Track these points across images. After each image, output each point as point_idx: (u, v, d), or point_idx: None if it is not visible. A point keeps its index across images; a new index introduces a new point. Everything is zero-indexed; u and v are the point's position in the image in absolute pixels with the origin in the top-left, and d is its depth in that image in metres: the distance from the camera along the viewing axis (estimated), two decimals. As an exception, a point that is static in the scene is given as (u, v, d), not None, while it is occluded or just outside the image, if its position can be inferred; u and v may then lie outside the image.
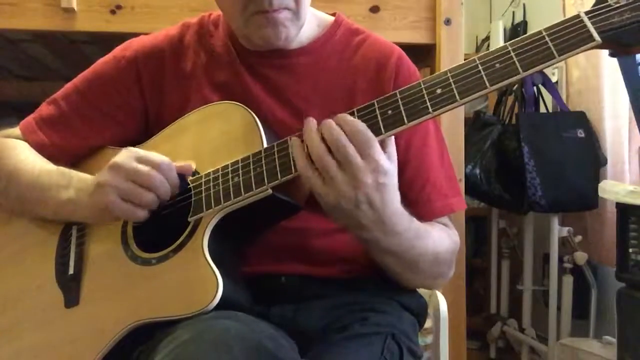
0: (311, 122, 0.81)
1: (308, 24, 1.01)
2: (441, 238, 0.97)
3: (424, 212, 0.98)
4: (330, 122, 0.80)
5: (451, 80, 0.78)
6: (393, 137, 0.82)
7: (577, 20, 0.75)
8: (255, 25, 0.93)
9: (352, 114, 0.82)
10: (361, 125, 0.78)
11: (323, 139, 0.79)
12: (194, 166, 0.92)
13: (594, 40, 0.73)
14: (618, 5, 0.73)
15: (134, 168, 0.87)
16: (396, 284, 0.98)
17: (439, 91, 0.78)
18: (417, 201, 0.99)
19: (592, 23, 0.74)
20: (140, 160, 0.88)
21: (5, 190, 1.00)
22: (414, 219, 0.89)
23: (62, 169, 0.98)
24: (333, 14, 1.07)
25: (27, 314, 0.95)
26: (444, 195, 1.01)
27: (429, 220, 0.99)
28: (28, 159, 1.00)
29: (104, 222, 0.94)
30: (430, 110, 0.78)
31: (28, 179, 0.98)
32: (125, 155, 0.88)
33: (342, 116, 0.80)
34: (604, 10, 0.74)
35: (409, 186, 0.99)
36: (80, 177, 0.95)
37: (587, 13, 0.75)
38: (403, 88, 0.81)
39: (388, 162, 0.80)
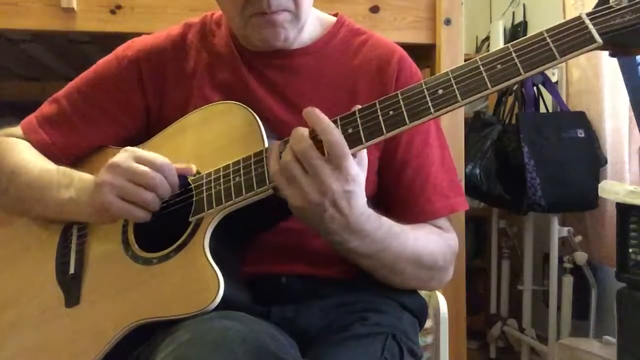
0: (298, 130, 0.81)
1: (310, 25, 1.01)
2: (428, 239, 0.96)
3: (424, 212, 0.98)
4: (299, 132, 0.80)
5: (453, 81, 0.78)
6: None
7: (579, 21, 0.75)
8: (254, 27, 0.93)
9: (353, 114, 0.82)
10: (336, 137, 0.78)
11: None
12: (194, 169, 0.92)
13: (595, 41, 0.73)
14: (619, 7, 0.73)
15: (132, 167, 0.87)
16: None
17: (440, 92, 0.78)
18: (418, 201, 0.99)
19: (594, 24, 0.74)
20: (139, 160, 0.88)
21: (6, 189, 1.00)
22: (385, 219, 0.89)
23: (63, 168, 0.98)
24: (335, 14, 1.07)
25: (27, 314, 0.95)
26: (445, 196, 1.01)
27: (430, 220, 0.99)
28: (29, 159, 1.00)
29: (104, 222, 0.94)
30: (432, 110, 0.78)
31: (29, 179, 0.98)
32: (124, 155, 0.88)
33: (319, 123, 0.80)
34: (605, 11, 0.74)
35: (409, 186, 0.99)
36: (81, 177, 0.95)
37: (588, 14, 0.75)
38: (405, 88, 0.81)
39: (357, 168, 0.80)
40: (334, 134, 0.79)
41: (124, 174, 0.87)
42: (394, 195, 0.99)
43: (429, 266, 0.96)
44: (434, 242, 0.97)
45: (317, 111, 0.81)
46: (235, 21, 0.96)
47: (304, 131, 0.80)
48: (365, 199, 0.83)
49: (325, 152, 0.78)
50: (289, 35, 0.95)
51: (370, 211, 0.85)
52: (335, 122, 0.82)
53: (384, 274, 0.94)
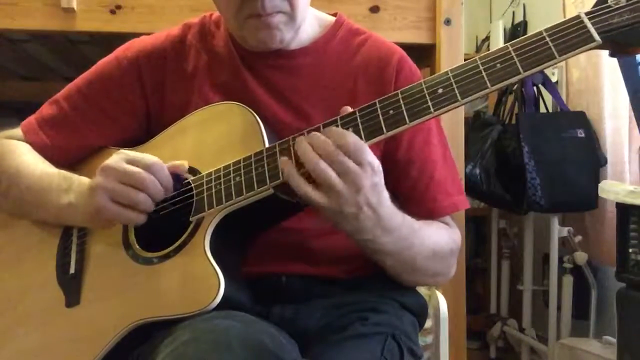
0: (303, 141, 0.81)
1: (309, 25, 1.01)
2: (439, 234, 0.97)
3: (429, 211, 0.98)
4: (320, 138, 0.80)
5: (452, 80, 0.78)
6: None
7: (578, 20, 0.75)
8: (250, 29, 0.93)
9: (353, 113, 0.82)
10: (351, 137, 0.79)
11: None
12: (186, 164, 0.92)
13: (594, 40, 0.74)
14: (618, 6, 0.74)
15: (123, 169, 0.87)
16: (397, 283, 0.98)
17: (440, 91, 0.79)
18: (423, 200, 0.99)
19: (593, 24, 0.74)
20: (130, 161, 0.88)
21: (6, 192, 1.00)
22: (406, 215, 0.90)
23: (63, 172, 0.98)
24: (334, 14, 1.07)
25: (28, 314, 0.95)
26: (448, 194, 1.01)
27: (435, 218, 1.00)
28: (29, 162, 1.00)
29: (101, 227, 0.94)
30: (432, 110, 0.78)
31: (29, 182, 0.98)
32: (116, 158, 0.88)
33: (328, 130, 0.80)
34: (604, 11, 0.74)
35: (413, 185, 0.99)
36: (80, 181, 0.95)
37: (587, 14, 0.75)
38: (404, 88, 0.81)
39: (377, 160, 0.81)
40: (347, 136, 0.79)
41: (115, 176, 0.87)
42: (398, 194, 1.00)
43: (440, 261, 0.97)
44: (444, 237, 0.98)
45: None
46: (231, 23, 0.96)
47: (317, 135, 0.80)
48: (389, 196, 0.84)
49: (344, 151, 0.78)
50: (285, 37, 0.95)
51: (393, 206, 0.86)
52: (335, 121, 0.82)
53: (402, 271, 0.94)
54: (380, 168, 0.81)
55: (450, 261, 1.00)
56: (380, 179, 0.81)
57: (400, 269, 0.94)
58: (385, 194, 0.83)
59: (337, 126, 0.81)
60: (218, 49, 1.03)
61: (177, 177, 0.90)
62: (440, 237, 0.97)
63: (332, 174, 0.78)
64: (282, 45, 0.97)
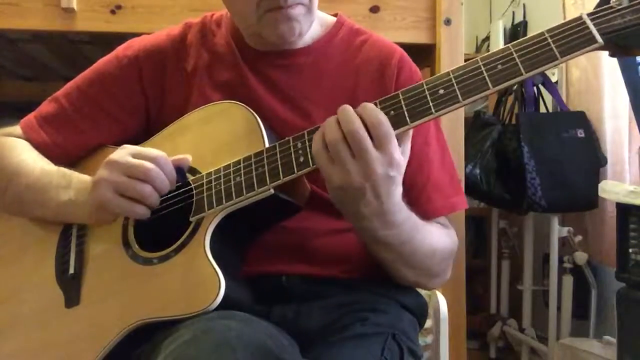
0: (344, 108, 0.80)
1: (311, 24, 1.02)
2: (439, 235, 0.97)
3: (425, 211, 0.98)
4: (348, 111, 0.79)
5: (454, 81, 0.78)
6: (411, 132, 0.83)
7: (580, 22, 0.75)
8: (270, 22, 0.93)
9: None
10: (382, 117, 0.78)
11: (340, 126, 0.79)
12: (190, 158, 0.92)
13: (596, 42, 0.74)
14: (620, 7, 0.74)
15: (129, 162, 0.87)
16: (395, 282, 0.98)
17: (441, 92, 0.79)
18: (419, 200, 0.99)
19: (595, 25, 0.74)
20: (135, 155, 0.88)
21: (5, 190, 1.00)
22: (412, 213, 0.89)
23: (62, 170, 0.98)
24: (335, 15, 1.07)
25: (27, 314, 0.95)
26: (445, 195, 1.01)
27: (430, 219, 1.00)
28: (29, 159, 1.00)
29: (103, 221, 0.94)
30: (433, 110, 0.78)
31: (28, 180, 0.98)
32: (121, 152, 0.89)
33: (364, 105, 0.80)
34: (606, 12, 0.74)
35: (410, 185, 0.99)
36: (80, 178, 0.95)
37: (589, 15, 0.75)
38: (405, 89, 0.81)
39: (401, 157, 0.80)
40: (380, 115, 0.78)
41: (120, 169, 0.87)
42: None
43: (439, 262, 0.97)
44: (443, 237, 0.98)
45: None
46: (247, 18, 0.95)
47: (354, 112, 0.79)
48: (402, 190, 0.83)
49: (372, 134, 0.78)
50: (303, 29, 0.95)
51: (402, 202, 0.85)
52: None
53: (399, 267, 0.94)
54: (402, 165, 0.80)
55: (449, 262, 1.00)
56: (397, 174, 0.80)
57: (398, 263, 0.93)
58: (398, 191, 0.82)
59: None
60: (219, 47, 1.03)
61: (180, 170, 0.90)
62: (440, 238, 0.97)
63: (343, 149, 0.78)
64: (298, 39, 0.97)
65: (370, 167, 0.77)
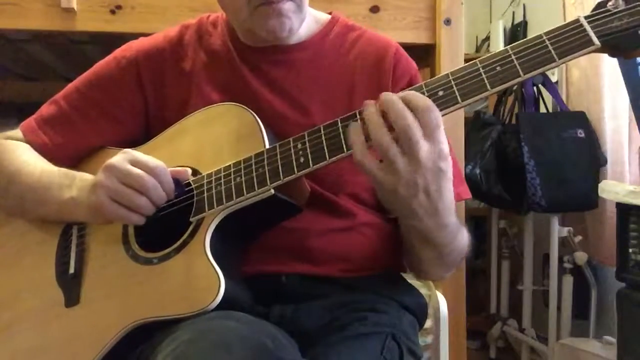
0: (371, 103, 0.77)
1: (306, 21, 1.02)
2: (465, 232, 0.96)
3: None
4: (393, 97, 0.75)
5: (453, 83, 0.78)
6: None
7: (577, 24, 0.76)
8: (260, 17, 0.93)
9: (354, 115, 0.81)
10: (430, 102, 0.75)
11: (384, 116, 0.75)
12: (190, 172, 0.92)
13: (593, 44, 0.74)
14: (617, 10, 0.74)
15: (126, 170, 0.87)
16: (396, 283, 0.98)
17: (440, 93, 0.79)
18: None
19: (592, 27, 0.75)
20: (134, 162, 0.88)
21: (6, 191, 1.01)
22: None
23: (64, 170, 0.98)
24: (329, 13, 1.09)
25: (27, 314, 0.95)
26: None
27: None
28: (29, 160, 1.01)
29: (101, 223, 0.94)
30: (433, 112, 0.78)
31: (30, 180, 0.98)
32: (120, 157, 0.89)
33: (406, 93, 0.76)
34: (603, 15, 0.75)
35: None
36: (82, 177, 0.95)
37: (586, 18, 0.76)
38: (405, 90, 0.81)
39: (447, 146, 0.77)
40: (427, 100, 0.75)
41: (118, 177, 0.87)
42: None
43: (462, 256, 0.96)
44: (466, 234, 0.97)
45: (392, 94, 0.76)
46: (239, 14, 0.95)
47: (404, 106, 0.75)
48: (453, 189, 0.80)
49: (420, 122, 0.73)
50: (294, 25, 0.95)
51: (453, 202, 0.82)
52: (335, 122, 0.82)
53: (435, 264, 0.93)
54: (450, 159, 0.76)
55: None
56: (446, 166, 0.76)
57: (434, 261, 0.92)
58: (449, 186, 0.78)
59: (338, 126, 0.81)
60: (215, 47, 1.04)
61: (178, 182, 0.90)
62: (465, 234, 0.96)
63: (393, 149, 0.74)
64: (289, 35, 0.97)
65: (419, 161, 0.74)
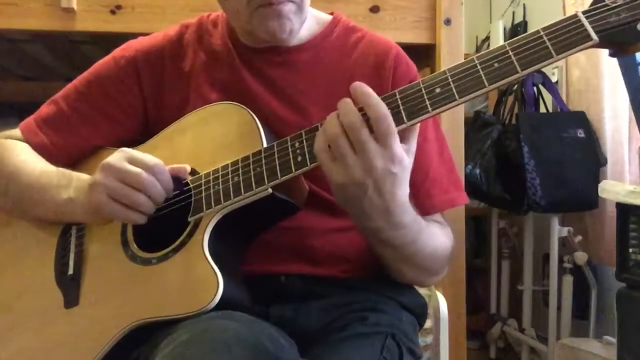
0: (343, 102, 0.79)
1: (307, 22, 1.02)
2: (440, 236, 0.97)
3: (424, 207, 0.98)
4: (348, 104, 0.78)
5: (450, 80, 0.78)
6: (417, 128, 0.81)
7: (575, 19, 0.75)
8: (260, 18, 0.93)
9: None
10: (384, 110, 0.77)
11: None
12: (188, 169, 0.92)
13: (591, 39, 0.74)
14: (615, 4, 0.74)
15: (124, 168, 0.86)
16: (396, 283, 0.98)
17: (438, 90, 0.78)
18: (417, 196, 0.99)
19: (590, 22, 0.74)
20: (132, 161, 0.87)
21: (5, 190, 1.00)
22: (418, 215, 0.89)
23: (62, 169, 0.98)
24: (331, 14, 1.08)
25: (26, 315, 0.95)
26: (444, 190, 1.01)
27: (430, 214, 0.99)
28: (28, 160, 1.00)
29: (99, 223, 0.94)
30: (430, 109, 0.78)
31: (28, 180, 0.98)
32: (117, 156, 0.88)
33: (367, 98, 0.78)
34: (601, 9, 0.74)
35: (409, 181, 0.99)
36: (79, 177, 0.95)
37: (584, 12, 0.75)
38: (402, 87, 0.81)
39: (404, 153, 0.79)
40: (383, 109, 0.77)
41: (116, 175, 0.87)
42: None
43: (438, 261, 0.97)
44: (443, 237, 0.98)
45: (366, 86, 0.79)
46: (240, 15, 0.95)
47: (353, 104, 0.78)
48: (408, 190, 0.82)
49: (373, 128, 0.76)
50: (294, 27, 0.95)
51: (409, 204, 0.84)
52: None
53: (400, 266, 0.94)
54: (406, 163, 0.79)
55: (447, 260, 1.00)
56: (400, 171, 0.78)
57: (398, 263, 0.93)
58: (403, 191, 0.81)
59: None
60: (215, 47, 1.03)
61: (177, 179, 0.90)
62: (439, 238, 0.97)
63: (343, 143, 0.77)
64: (289, 37, 0.97)
65: (371, 161, 0.76)
